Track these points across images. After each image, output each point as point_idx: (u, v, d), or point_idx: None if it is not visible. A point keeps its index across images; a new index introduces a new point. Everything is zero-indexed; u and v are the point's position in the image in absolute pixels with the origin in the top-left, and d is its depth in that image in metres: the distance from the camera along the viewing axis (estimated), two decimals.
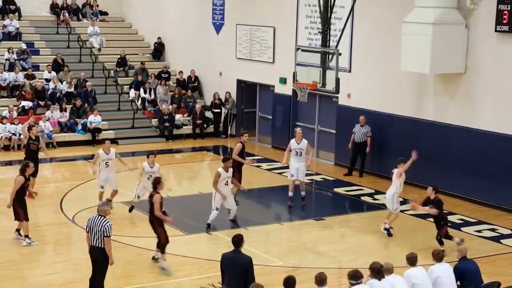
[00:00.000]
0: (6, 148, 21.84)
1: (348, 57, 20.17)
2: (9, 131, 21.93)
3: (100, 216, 10.86)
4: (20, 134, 21.93)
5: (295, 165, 16.58)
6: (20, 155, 21.18)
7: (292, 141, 16.67)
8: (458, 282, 10.51)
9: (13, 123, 22.10)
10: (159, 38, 27.57)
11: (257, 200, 17.31)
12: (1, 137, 21.78)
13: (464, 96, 17.64)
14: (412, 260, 10.24)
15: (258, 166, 20.03)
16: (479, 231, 15.39)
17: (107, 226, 10.75)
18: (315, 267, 11.96)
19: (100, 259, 10.89)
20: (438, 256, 10.49)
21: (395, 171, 14.91)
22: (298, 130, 16.98)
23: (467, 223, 15.92)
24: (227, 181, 14.90)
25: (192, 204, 17.52)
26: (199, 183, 19.40)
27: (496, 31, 16.69)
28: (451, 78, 17.73)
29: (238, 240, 9.85)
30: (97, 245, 10.80)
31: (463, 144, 17.62)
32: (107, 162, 15.97)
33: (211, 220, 14.89)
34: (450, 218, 16.15)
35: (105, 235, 10.73)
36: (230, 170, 14.99)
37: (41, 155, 17.36)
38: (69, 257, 13.33)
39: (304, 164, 16.65)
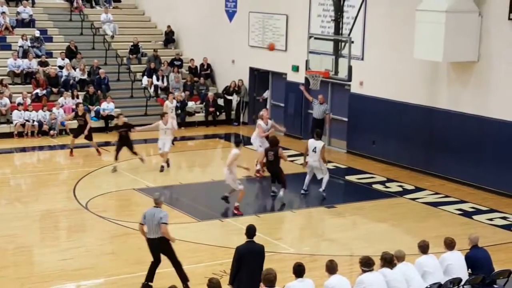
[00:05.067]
0: (20, 134, 21.98)
1: (361, 45, 20.11)
2: (23, 118, 22.06)
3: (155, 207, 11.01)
4: (33, 121, 22.13)
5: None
6: (34, 142, 21.41)
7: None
8: (469, 270, 10.52)
9: (27, 110, 22.24)
10: (168, 26, 27.58)
11: (269, 188, 17.32)
12: (16, 124, 21.92)
13: (477, 84, 17.56)
14: (423, 248, 10.26)
15: None
16: (491, 219, 15.36)
17: (164, 215, 10.88)
18: (326, 255, 12.01)
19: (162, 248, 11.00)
20: (450, 244, 10.50)
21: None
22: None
23: (479, 211, 15.90)
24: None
25: (204, 191, 17.60)
26: (212, 170, 19.46)
27: (509, 19, 16.57)
28: (464, 66, 17.65)
29: (253, 231, 9.93)
30: (153, 236, 10.87)
31: (476, 132, 17.56)
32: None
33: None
34: (462, 206, 16.22)
35: (162, 222, 10.83)
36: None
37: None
38: (82, 243, 13.45)
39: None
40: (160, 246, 10.95)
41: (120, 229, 14.05)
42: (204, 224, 14.73)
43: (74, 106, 22.83)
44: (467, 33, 17.04)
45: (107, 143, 21.00)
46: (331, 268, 9.25)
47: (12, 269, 12.19)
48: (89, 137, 19.75)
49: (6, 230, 14.15)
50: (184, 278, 11.05)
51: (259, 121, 18.37)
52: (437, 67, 18.28)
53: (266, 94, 24.30)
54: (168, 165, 18.54)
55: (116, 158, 18.20)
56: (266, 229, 14.04)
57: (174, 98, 21.64)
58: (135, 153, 18.49)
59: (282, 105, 23.54)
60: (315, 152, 16.14)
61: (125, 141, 18.27)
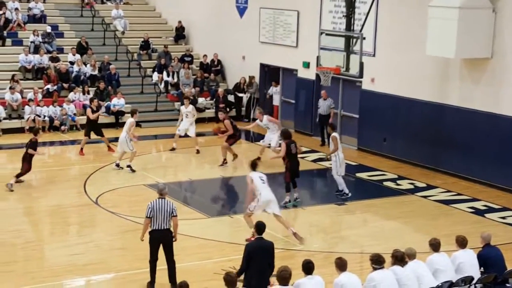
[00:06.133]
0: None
1: (373, 41, 19.99)
2: (34, 113, 22.08)
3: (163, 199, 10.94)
4: (44, 116, 22.17)
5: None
6: (45, 137, 21.41)
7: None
8: (482, 268, 10.43)
9: (38, 105, 22.27)
10: (179, 22, 27.55)
11: (279, 184, 17.24)
12: (27, 119, 21.94)
13: (490, 82, 17.41)
14: (435, 246, 10.18)
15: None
16: (503, 218, 15.24)
17: (175, 206, 10.89)
18: (337, 252, 11.95)
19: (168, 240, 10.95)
20: (462, 243, 10.41)
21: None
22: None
23: (491, 210, 15.78)
24: None
25: (214, 187, 17.56)
26: (222, 167, 19.40)
27: None
28: (477, 63, 17.50)
29: (263, 228, 9.94)
30: (163, 227, 10.80)
31: (488, 130, 17.42)
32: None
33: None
34: (474, 204, 16.11)
35: (174, 214, 10.83)
36: None
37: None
38: (92, 239, 13.45)
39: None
40: (168, 238, 10.90)
41: (130, 224, 14.03)
42: (213, 220, 14.69)
43: (85, 102, 22.86)
44: (480, 30, 16.89)
45: (117, 139, 20.96)
46: (341, 265, 9.20)
47: (22, 264, 12.22)
48: (100, 133, 19.66)
49: (16, 225, 14.18)
50: (174, 279, 10.91)
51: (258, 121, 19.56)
52: (449, 64, 18.14)
53: (271, 91, 24.20)
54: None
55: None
56: (276, 226, 13.96)
57: (190, 103, 20.81)
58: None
59: (293, 101, 23.46)
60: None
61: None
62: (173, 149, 20.07)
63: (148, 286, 11.07)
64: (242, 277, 9.66)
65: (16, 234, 13.67)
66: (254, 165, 13.55)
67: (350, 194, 16.16)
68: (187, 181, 17.64)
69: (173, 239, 11.00)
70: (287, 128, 17.33)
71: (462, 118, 17.99)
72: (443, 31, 16.79)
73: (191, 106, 20.48)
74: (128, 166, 17.78)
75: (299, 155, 16.07)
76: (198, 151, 19.98)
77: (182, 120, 20.20)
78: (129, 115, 19.03)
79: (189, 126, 20.19)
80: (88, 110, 19.81)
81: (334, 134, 16.10)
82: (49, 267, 12.09)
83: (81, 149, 19.42)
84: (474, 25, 16.78)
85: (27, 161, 16.33)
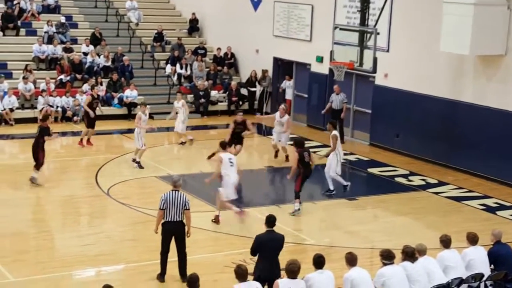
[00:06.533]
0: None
1: (387, 37, 19.92)
2: (47, 103, 22.16)
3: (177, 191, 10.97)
4: (57, 106, 22.26)
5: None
6: (58, 127, 21.49)
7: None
8: (492, 265, 10.41)
9: (51, 96, 22.36)
10: (193, 14, 27.56)
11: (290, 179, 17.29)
12: (40, 109, 22.02)
13: (503, 79, 17.32)
14: (446, 243, 10.17)
15: (292, 145, 20.02)
16: None
17: (188, 199, 10.91)
18: (346, 247, 11.94)
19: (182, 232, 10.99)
20: (473, 240, 10.38)
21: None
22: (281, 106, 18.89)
23: (502, 207, 15.72)
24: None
25: None
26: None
27: None
28: (491, 59, 17.41)
29: (273, 221, 9.94)
30: (176, 219, 10.85)
31: (501, 127, 17.34)
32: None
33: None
34: (485, 201, 16.04)
35: (187, 208, 10.86)
36: None
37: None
38: (103, 230, 13.51)
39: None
40: (181, 230, 10.94)
41: (141, 216, 14.08)
42: (224, 213, 14.70)
43: (98, 93, 22.91)
44: (495, 26, 16.80)
45: (129, 130, 21.05)
46: (351, 260, 9.21)
47: (33, 254, 12.28)
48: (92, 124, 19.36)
49: (28, 215, 14.27)
50: (185, 271, 10.95)
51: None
52: (463, 60, 18.05)
53: (284, 85, 24.14)
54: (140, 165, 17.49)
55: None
56: (287, 220, 14.00)
57: (182, 98, 20.09)
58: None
59: (306, 96, 23.42)
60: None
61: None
62: (184, 142, 20.00)
63: (158, 277, 11.13)
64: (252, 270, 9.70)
65: (27, 224, 13.76)
66: (224, 145, 13.57)
67: (334, 192, 15.89)
68: (199, 173, 17.66)
69: (187, 234, 11.03)
70: (301, 137, 17.19)
71: (475, 115, 17.91)
72: (457, 28, 16.71)
73: (182, 101, 19.80)
74: (138, 162, 17.41)
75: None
76: (183, 143, 19.76)
77: (176, 114, 19.66)
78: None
79: (179, 123, 19.57)
80: (88, 98, 19.61)
81: (334, 132, 15.85)
82: (60, 257, 12.15)
83: (88, 139, 19.39)
84: (489, 22, 16.68)
85: (40, 148, 15.88)
